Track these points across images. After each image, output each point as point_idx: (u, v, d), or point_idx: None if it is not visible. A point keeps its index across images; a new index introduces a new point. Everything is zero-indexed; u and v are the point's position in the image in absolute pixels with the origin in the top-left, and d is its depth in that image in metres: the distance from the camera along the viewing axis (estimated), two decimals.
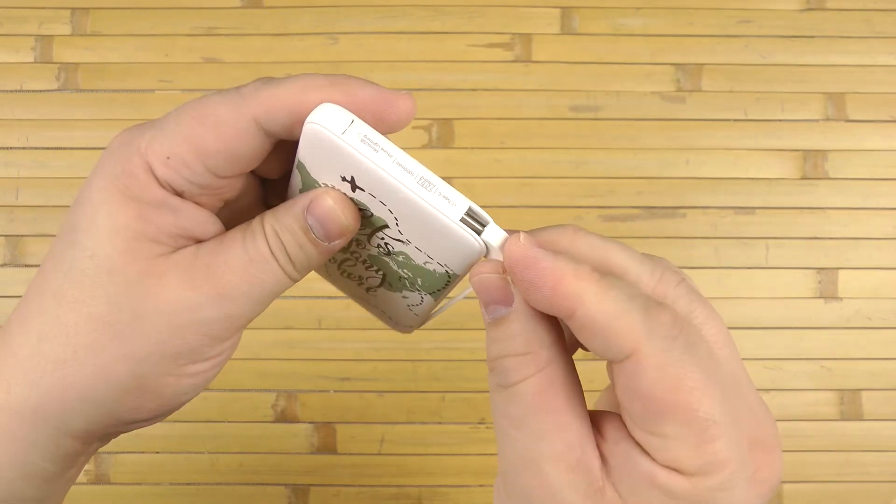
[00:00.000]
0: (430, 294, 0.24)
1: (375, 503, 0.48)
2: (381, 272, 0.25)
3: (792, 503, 0.48)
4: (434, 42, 0.51)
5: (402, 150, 0.21)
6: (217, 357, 0.23)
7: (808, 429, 0.48)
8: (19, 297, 0.51)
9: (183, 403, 0.23)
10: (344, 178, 0.21)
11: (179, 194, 0.22)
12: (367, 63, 0.50)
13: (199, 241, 0.22)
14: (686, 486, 0.18)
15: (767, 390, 0.48)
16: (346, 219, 0.22)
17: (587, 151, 0.50)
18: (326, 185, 0.22)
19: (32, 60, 0.50)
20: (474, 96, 0.50)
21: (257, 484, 0.48)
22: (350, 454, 0.48)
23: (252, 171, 0.23)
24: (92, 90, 0.50)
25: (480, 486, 0.48)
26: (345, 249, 0.25)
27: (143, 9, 0.51)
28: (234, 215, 0.24)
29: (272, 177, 0.24)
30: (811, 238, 0.49)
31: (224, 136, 0.21)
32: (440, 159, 0.50)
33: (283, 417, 0.48)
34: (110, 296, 0.21)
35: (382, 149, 0.21)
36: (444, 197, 0.21)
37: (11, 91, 0.50)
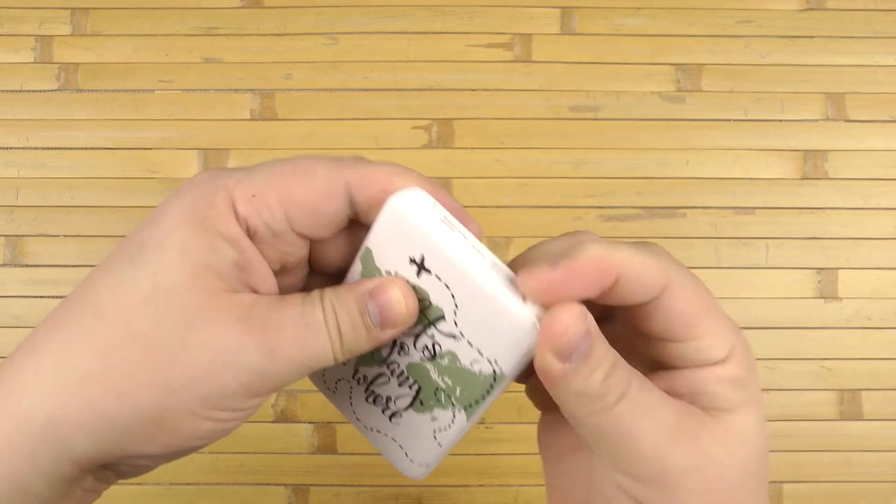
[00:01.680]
0: (464, 410, 0.24)
1: (375, 503, 0.48)
2: (416, 385, 0.24)
3: (792, 503, 0.48)
4: (434, 42, 0.51)
5: (476, 239, 0.22)
6: (242, 412, 0.22)
7: (808, 429, 0.48)
8: (19, 296, 0.52)
9: (193, 449, 0.22)
10: (413, 261, 0.22)
11: (252, 237, 0.22)
12: (367, 63, 0.50)
13: (254, 291, 0.22)
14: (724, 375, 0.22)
15: (767, 390, 0.48)
16: (406, 308, 0.22)
17: (587, 151, 0.50)
18: (390, 273, 0.23)
19: (32, 60, 0.50)
20: (474, 96, 0.50)
21: (257, 484, 0.48)
22: (350, 454, 0.48)
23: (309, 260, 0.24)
24: (92, 90, 0.50)
25: (480, 485, 0.48)
26: (382, 361, 0.25)
27: (143, 9, 0.51)
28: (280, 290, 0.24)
29: (325, 268, 0.25)
30: (811, 238, 0.49)
31: (313, 190, 0.22)
32: (440, 159, 0.50)
33: (283, 417, 0.48)
34: (161, 317, 0.20)
35: (459, 231, 0.22)
36: (509, 280, 0.22)
37: (11, 91, 0.50)
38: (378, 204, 0.22)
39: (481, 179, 0.50)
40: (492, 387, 0.23)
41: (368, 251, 0.23)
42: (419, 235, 0.22)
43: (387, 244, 0.22)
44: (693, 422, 0.21)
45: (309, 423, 0.48)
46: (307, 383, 0.48)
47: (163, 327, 0.20)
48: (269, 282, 0.23)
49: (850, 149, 0.50)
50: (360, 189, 0.22)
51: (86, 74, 0.50)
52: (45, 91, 0.50)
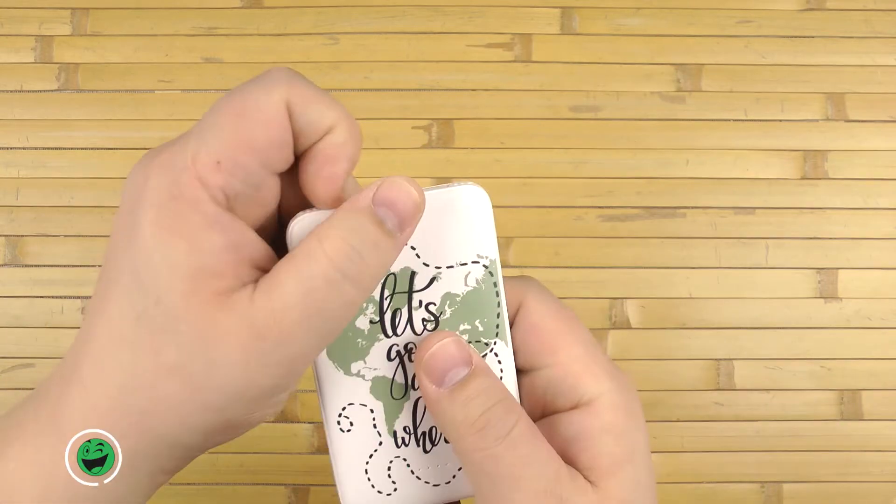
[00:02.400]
0: (496, 337, 0.23)
1: None
2: None
3: (792, 503, 0.48)
4: (434, 42, 0.51)
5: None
6: (294, 386, 0.22)
7: (808, 429, 0.48)
8: (19, 296, 0.51)
9: (250, 430, 0.23)
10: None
11: (231, 206, 0.21)
12: (367, 63, 0.50)
13: (255, 264, 0.21)
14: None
15: (767, 390, 0.48)
16: (415, 191, 0.21)
17: (587, 151, 0.50)
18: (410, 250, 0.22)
19: (32, 60, 0.50)
20: (474, 96, 0.50)
21: (257, 484, 0.48)
22: None
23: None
24: (92, 90, 0.50)
25: None
26: (404, 393, 0.24)
27: (143, 9, 0.51)
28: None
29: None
30: (811, 238, 0.49)
31: (268, 125, 0.20)
32: (440, 159, 0.50)
33: (283, 417, 0.48)
34: (181, 345, 0.20)
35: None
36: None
37: (11, 91, 0.50)
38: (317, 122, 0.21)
39: (481, 179, 0.49)
40: (495, 283, 0.23)
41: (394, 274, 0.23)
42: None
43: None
44: (570, 489, 0.21)
45: (309, 423, 0.48)
46: (307, 383, 0.48)
47: (185, 354, 0.20)
48: (261, 248, 0.21)
49: (850, 149, 0.50)
50: (297, 100, 0.21)
51: (86, 74, 0.50)
52: (45, 91, 0.50)
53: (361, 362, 0.23)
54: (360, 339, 0.23)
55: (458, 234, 0.22)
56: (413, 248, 0.22)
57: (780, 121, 0.50)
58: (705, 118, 0.50)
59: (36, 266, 0.49)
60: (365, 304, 0.22)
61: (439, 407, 0.22)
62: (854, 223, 0.49)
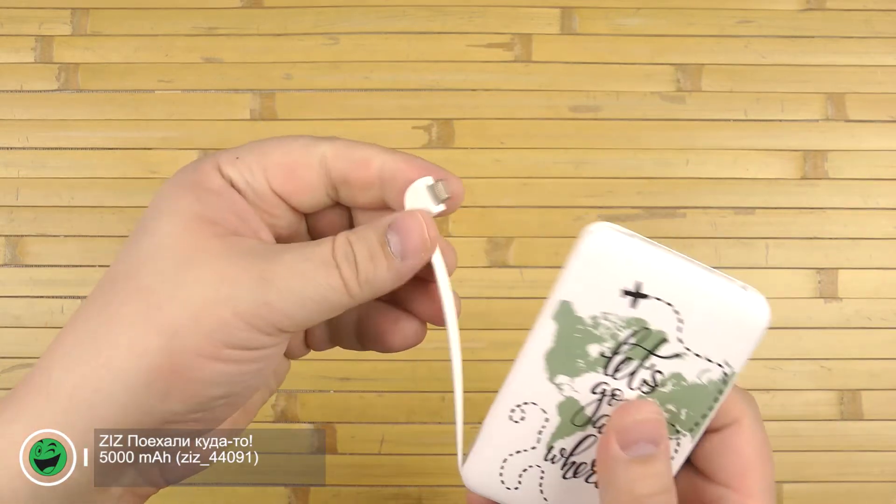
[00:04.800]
0: (689, 432, 0.24)
1: (375, 503, 0.48)
2: None
3: (792, 503, 0.48)
4: (434, 42, 0.51)
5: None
6: (256, 351, 0.21)
7: (808, 429, 0.48)
8: (19, 296, 0.52)
9: (213, 401, 0.22)
10: (627, 292, 0.22)
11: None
12: (367, 63, 0.50)
13: (258, 236, 0.23)
14: None
15: (767, 390, 0.48)
16: (427, 235, 0.22)
17: (587, 151, 0.50)
18: (598, 321, 0.22)
19: (32, 60, 0.50)
20: (474, 96, 0.50)
21: (257, 484, 0.48)
22: (350, 454, 0.48)
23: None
24: (92, 90, 0.50)
25: None
26: (587, 421, 0.24)
27: (143, 9, 0.51)
28: None
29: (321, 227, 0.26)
30: (811, 238, 0.49)
31: (290, 153, 0.23)
32: (440, 159, 0.49)
33: (283, 417, 0.48)
34: (159, 267, 0.21)
35: (662, 246, 0.22)
36: (713, 269, 0.22)
37: (11, 91, 0.50)
38: (358, 179, 0.23)
39: (481, 179, 0.50)
40: (721, 391, 0.23)
41: (566, 304, 0.23)
42: (632, 263, 0.22)
43: (589, 287, 0.22)
44: None
45: (309, 423, 0.48)
46: (306, 383, 0.48)
47: (158, 275, 0.20)
48: (267, 235, 0.23)
49: (850, 149, 0.50)
50: (337, 155, 0.23)
51: (86, 74, 0.50)
52: (45, 91, 0.50)
53: (568, 378, 0.23)
54: (581, 361, 0.23)
55: (723, 331, 0.22)
56: (681, 321, 0.22)
57: (780, 121, 0.50)
58: (705, 118, 0.50)
59: (36, 266, 0.49)
60: (606, 337, 0.23)
61: (613, 468, 0.22)
62: (854, 223, 0.49)
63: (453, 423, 0.25)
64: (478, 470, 0.25)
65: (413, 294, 0.26)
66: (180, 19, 0.51)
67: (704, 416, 0.23)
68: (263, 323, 0.21)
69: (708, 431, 0.24)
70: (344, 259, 0.22)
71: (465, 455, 0.25)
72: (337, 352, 0.30)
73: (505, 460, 0.25)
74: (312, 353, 0.29)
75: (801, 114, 0.50)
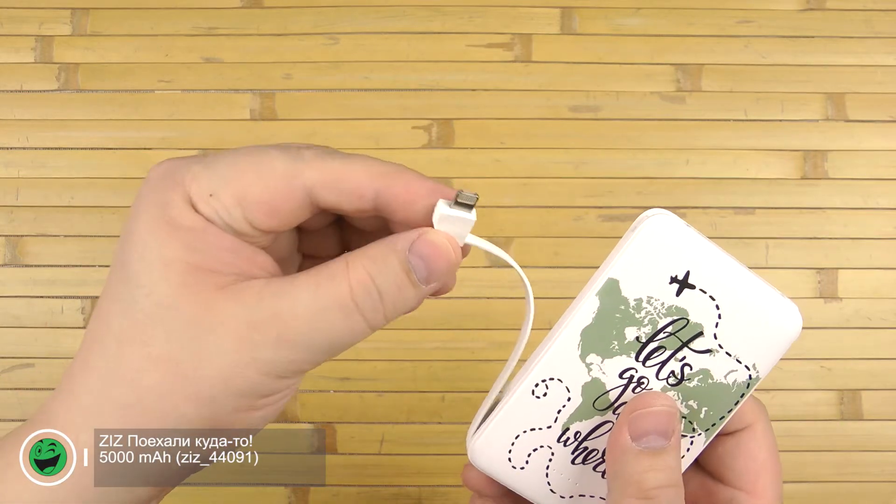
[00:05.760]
0: (705, 431, 0.24)
1: (375, 503, 0.48)
2: None
3: (792, 503, 0.48)
4: (434, 42, 0.51)
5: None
6: (286, 389, 0.22)
7: (808, 429, 0.48)
8: (19, 296, 0.52)
9: (253, 433, 0.22)
10: (674, 279, 0.22)
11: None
12: (367, 63, 0.50)
13: (260, 266, 0.22)
14: None
15: (767, 390, 0.48)
16: (454, 254, 0.21)
17: (587, 151, 0.50)
18: (641, 304, 0.22)
19: (32, 60, 0.50)
20: (474, 96, 0.50)
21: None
22: (350, 454, 0.48)
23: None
24: (92, 90, 0.50)
25: None
26: (609, 406, 0.24)
27: (143, 9, 0.51)
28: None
29: (310, 228, 0.24)
30: (811, 238, 0.49)
31: (270, 189, 0.21)
32: (440, 159, 0.50)
33: (283, 417, 0.48)
34: (170, 334, 0.20)
35: (713, 243, 0.23)
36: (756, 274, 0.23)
37: (11, 91, 0.50)
38: (342, 198, 0.21)
39: (481, 179, 0.50)
40: (743, 395, 0.23)
41: (613, 282, 0.22)
42: (685, 252, 0.22)
43: (640, 269, 0.22)
44: None
45: (309, 423, 0.48)
46: (307, 383, 0.48)
47: (174, 343, 0.20)
48: (264, 258, 0.22)
49: (850, 149, 0.50)
50: (321, 188, 0.21)
51: (86, 74, 0.50)
52: (45, 91, 0.50)
53: (599, 359, 0.23)
54: (615, 343, 0.23)
55: (756, 335, 0.23)
56: (720, 316, 0.22)
57: (780, 121, 0.50)
58: (705, 118, 0.50)
59: (36, 266, 0.49)
60: (645, 322, 0.23)
61: (623, 457, 0.22)
62: (854, 223, 0.49)
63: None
64: (487, 443, 0.25)
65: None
66: (180, 19, 0.51)
67: (722, 418, 0.24)
68: (290, 372, 0.21)
69: (721, 434, 0.24)
70: (366, 298, 0.21)
71: (473, 424, 0.25)
72: None
73: (517, 436, 0.24)
74: None
75: (801, 114, 0.50)
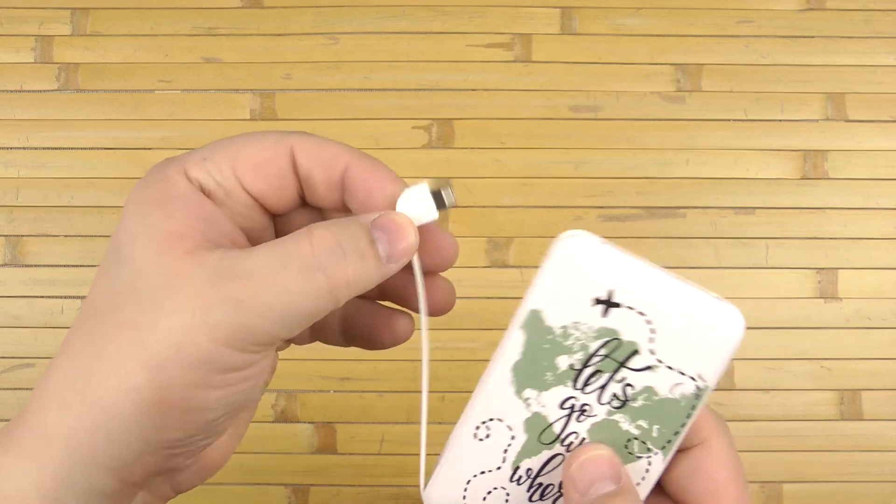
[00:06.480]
0: (661, 450, 0.23)
1: (375, 503, 0.48)
2: None
3: (792, 503, 0.48)
4: (434, 42, 0.51)
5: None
6: (244, 370, 0.20)
7: (808, 429, 0.48)
8: (19, 296, 0.52)
9: (214, 423, 0.21)
10: (598, 300, 0.21)
11: (207, 197, 0.22)
12: (367, 63, 0.50)
13: (232, 240, 0.22)
14: None
15: (767, 390, 0.48)
16: (414, 238, 0.22)
17: (587, 151, 0.50)
18: (568, 331, 0.22)
19: (32, 60, 0.50)
20: (474, 96, 0.50)
21: (257, 484, 0.48)
22: (350, 454, 0.48)
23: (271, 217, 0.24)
24: (92, 90, 0.50)
25: None
26: (555, 439, 0.23)
27: (143, 9, 0.51)
28: None
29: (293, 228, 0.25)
30: (811, 238, 0.49)
31: (259, 148, 0.22)
32: (440, 159, 0.50)
33: (283, 417, 0.48)
34: (140, 298, 0.20)
35: (636, 255, 0.22)
36: (687, 280, 0.22)
37: (11, 91, 0.50)
38: (321, 172, 0.22)
39: (481, 179, 0.50)
40: (694, 407, 0.22)
41: (535, 313, 0.22)
42: (605, 271, 0.21)
43: (560, 295, 0.22)
44: None
45: (309, 423, 0.48)
46: (306, 383, 0.48)
47: (139, 307, 0.20)
48: (240, 236, 0.22)
49: (850, 149, 0.50)
50: (304, 151, 0.22)
51: (86, 74, 0.50)
52: (45, 91, 0.50)
53: (536, 393, 0.23)
54: (549, 374, 0.22)
55: (697, 345, 0.21)
56: (653, 331, 0.21)
57: (780, 121, 0.50)
58: (705, 118, 0.50)
59: (36, 266, 0.49)
60: (576, 348, 0.22)
61: None
62: (854, 223, 0.49)
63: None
64: (440, 492, 0.24)
65: (411, 288, 0.24)
66: (180, 19, 0.51)
67: (677, 434, 0.23)
68: (245, 344, 0.20)
69: (679, 451, 0.23)
70: (329, 255, 0.20)
71: (428, 479, 0.24)
72: (337, 352, 0.30)
73: (469, 482, 0.24)
74: (312, 353, 0.29)
75: (801, 114, 0.50)
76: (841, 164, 0.50)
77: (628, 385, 0.22)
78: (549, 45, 0.51)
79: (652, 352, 0.22)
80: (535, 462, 0.23)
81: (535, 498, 0.24)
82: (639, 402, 0.22)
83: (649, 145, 0.50)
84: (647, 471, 0.23)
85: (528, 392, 0.23)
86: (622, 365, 0.22)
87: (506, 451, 0.23)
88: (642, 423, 0.23)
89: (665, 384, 0.22)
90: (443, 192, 0.22)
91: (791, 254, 0.49)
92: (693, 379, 0.22)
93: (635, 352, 0.22)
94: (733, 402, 0.48)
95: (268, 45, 0.51)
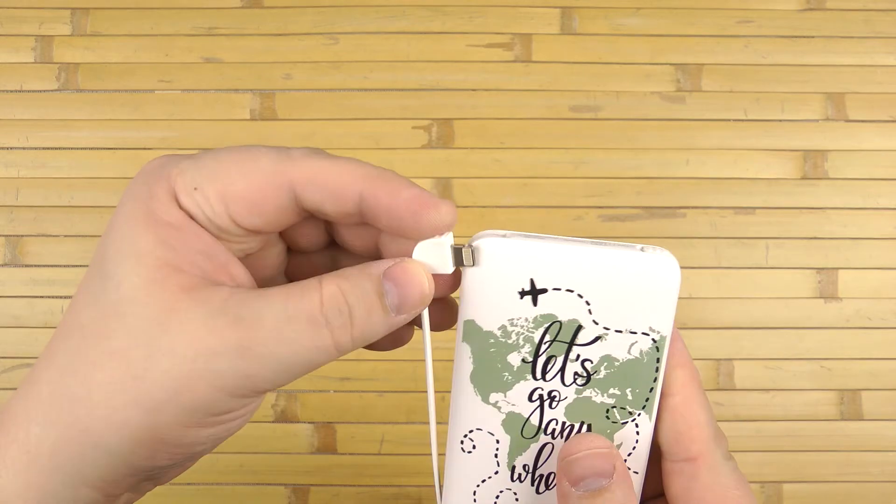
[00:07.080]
0: (642, 409, 0.23)
1: (375, 503, 0.48)
2: (584, 426, 0.24)
3: (792, 503, 0.48)
4: (434, 42, 0.51)
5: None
6: (239, 409, 0.21)
7: (808, 429, 0.48)
8: (19, 296, 0.52)
9: (203, 453, 0.21)
10: (523, 292, 0.22)
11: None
12: (367, 63, 0.50)
13: (232, 277, 0.21)
14: None
15: (767, 390, 0.48)
16: (428, 286, 0.21)
17: (587, 151, 0.50)
18: (507, 329, 0.22)
19: (32, 60, 0.50)
20: (474, 96, 0.50)
21: (257, 484, 0.48)
22: (350, 454, 0.48)
23: (283, 242, 0.23)
24: (92, 90, 0.50)
25: None
26: (537, 431, 0.23)
27: (143, 9, 0.51)
28: (259, 282, 0.23)
29: (300, 247, 0.24)
30: (811, 238, 0.49)
31: (254, 185, 0.20)
32: (440, 159, 0.50)
33: (283, 417, 0.48)
34: (130, 329, 0.19)
35: (545, 236, 0.22)
36: (608, 242, 0.22)
37: (11, 91, 0.50)
38: (328, 201, 0.21)
39: (481, 179, 0.50)
40: (658, 359, 0.22)
41: (470, 323, 0.22)
42: (518, 263, 0.21)
43: (485, 300, 0.22)
44: None
45: (309, 423, 0.48)
46: (306, 383, 0.48)
47: (131, 338, 0.19)
48: (235, 268, 0.21)
49: (850, 149, 0.50)
50: (305, 187, 0.21)
51: (86, 74, 0.50)
52: (45, 91, 0.50)
53: (501, 395, 0.23)
54: (506, 374, 0.23)
55: (636, 301, 0.22)
56: (587, 303, 0.22)
57: (780, 121, 0.50)
58: (705, 118, 0.50)
59: (36, 266, 0.49)
60: (521, 343, 0.22)
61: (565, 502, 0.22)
62: (854, 223, 0.49)
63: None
64: None
65: None
66: (180, 19, 0.51)
67: (652, 390, 0.23)
68: (245, 391, 0.20)
69: (672, 468, 0.23)
70: (336, 314, 0.20)
71: (438, 499, 0.25)
72: None
73: (475, 492, 0.24)
74: None
75: (801, 114, 0.50)
76: (841, 164, 0.50)
77: (586, 360, 0.22)
78: (549, 45, 0.51)
79: (595, 322, 0.22)
80: (527, 457, 0.24)
81: (541, 490, 0.24)
82: (602, 373, 0.23)
83: (649, 145, 0.50)
84: (638, 433, 0.23)
85: (493, 396, 0.23)
86: (572, 344, 0.22)
87: (496, 455, 0.24)
88: (614, 390, 0.23)
89: (620, 348, 0.22)
90: (463, 252, 0.22)
91: (791, 254, 0.49)
92: (646, 334, 0.22)
93: (579, 327, 0.22)
94: (733, 402, 0.48)
95: (268, 45, 0.51)
